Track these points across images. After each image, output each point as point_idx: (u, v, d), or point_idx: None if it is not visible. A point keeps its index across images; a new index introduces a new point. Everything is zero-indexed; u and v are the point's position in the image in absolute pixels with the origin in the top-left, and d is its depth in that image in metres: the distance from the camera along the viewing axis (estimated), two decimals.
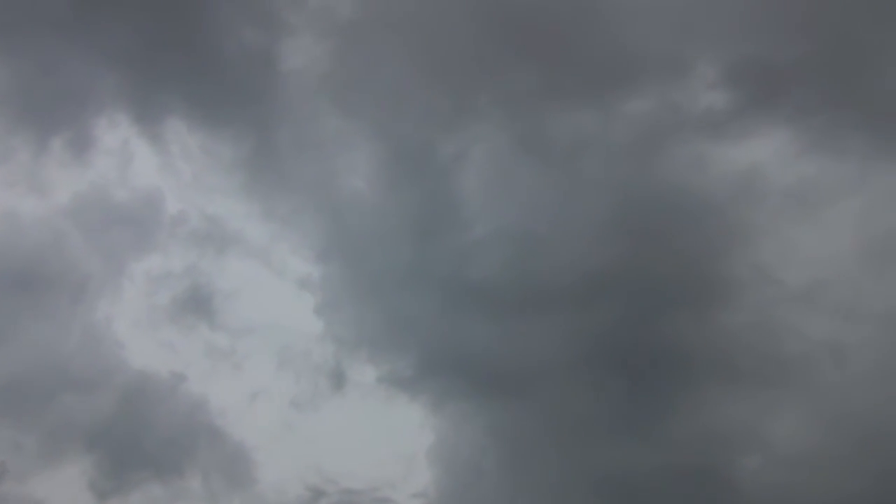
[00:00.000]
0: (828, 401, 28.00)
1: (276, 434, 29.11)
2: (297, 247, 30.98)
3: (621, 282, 29.33)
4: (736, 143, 30.34)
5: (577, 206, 30.13)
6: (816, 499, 26.64)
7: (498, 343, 28.79)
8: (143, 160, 31.80)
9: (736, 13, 31.01)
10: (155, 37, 31.55)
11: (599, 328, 28.79)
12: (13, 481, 27.71)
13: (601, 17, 30.92)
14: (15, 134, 31.13)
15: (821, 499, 26.61)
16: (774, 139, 30.34)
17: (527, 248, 29.75)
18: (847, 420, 27.63)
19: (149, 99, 31.65)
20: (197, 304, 30.54)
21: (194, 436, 28.99)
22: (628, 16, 30.92)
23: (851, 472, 26.95)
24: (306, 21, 31.53)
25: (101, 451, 28.46)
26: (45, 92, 31.51)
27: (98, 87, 31.60)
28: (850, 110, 30.21)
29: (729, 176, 30.15)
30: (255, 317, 30.52)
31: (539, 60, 31.06)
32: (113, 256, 30.91)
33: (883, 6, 30.13)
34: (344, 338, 29.82)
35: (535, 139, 30.70)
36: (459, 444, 28.23)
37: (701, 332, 28.81)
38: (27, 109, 31.54)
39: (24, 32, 31.44)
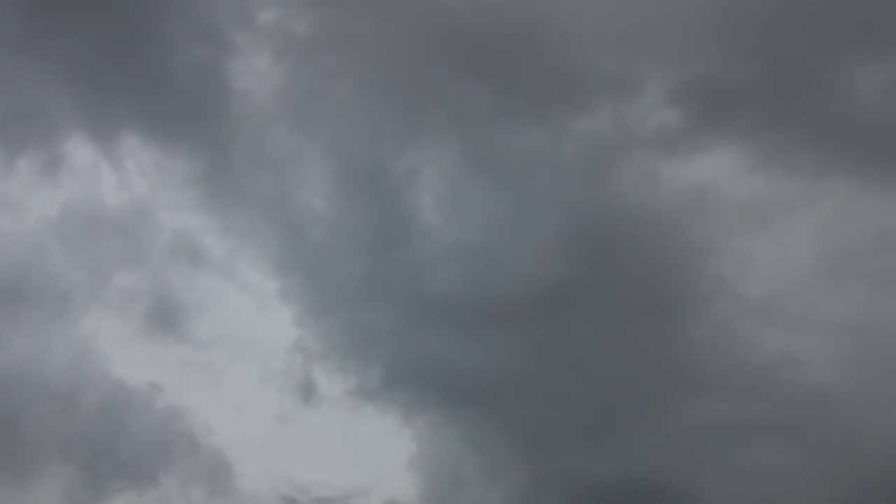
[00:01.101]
0: (790, 413, 27.95)
1: (249, 445, 29.25)
2: (256, 261, 31.19)
3: (581, 296, 29.48)
4: (687, 160, 30.64)
5: (532, 222, 30.31)
6: None
7: (462, 354, 28.99)
8: (101, 177, 32.02)
9: (683, 35, 31.33)
10: (108, 54, 31.75)
11: (563, 340, 28.95)
12: None
13: (550, 38, 31.20)
14: None
15: None
16: (726, 156, 30.60)
17: (483, 263, 29.96)
18: (811, 431, 27.63)
19: (103, 115, 31.78)
20: (165, 317, 30.74)
21: (170, 446, 29.19)
22: (577, 36, 31.18)
23: (817, 483, 26.87)
24: (259, 39, 31.93)
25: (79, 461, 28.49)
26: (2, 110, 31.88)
27: (54, 105, 31.77)
28: (799, 128, 30.62)
29: (682, 192, 30.33)
30: (222, 330, 30.69)
31: (490, 80, 31.39)
32: (88, 271, 31.07)
33: (826, 28, 30.71)
34: (312, 350, 29.98)
35: (486, 157, 31.05)
36: (433, 452, 28.31)
37: (664, 344, 28.92)
38: None
39: None
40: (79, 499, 27.93)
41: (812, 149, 30.27)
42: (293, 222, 30.74)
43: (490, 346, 28.84)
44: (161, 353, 30.21)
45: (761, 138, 30.46)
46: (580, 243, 29.79)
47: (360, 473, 27.93)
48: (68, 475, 28.09)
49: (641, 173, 30.50)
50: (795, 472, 27.10)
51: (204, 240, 31.06)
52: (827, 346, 28.37)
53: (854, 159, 30.14)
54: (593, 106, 30.89)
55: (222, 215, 31.03)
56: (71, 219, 31.28)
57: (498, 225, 30.24)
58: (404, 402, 28.72)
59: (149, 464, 28.60)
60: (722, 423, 27.88)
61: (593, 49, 31.10)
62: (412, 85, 31.25)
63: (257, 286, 30.88)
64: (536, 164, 30.61)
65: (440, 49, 31.24)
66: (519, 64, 31.16)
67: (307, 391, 29.34)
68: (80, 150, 31.63)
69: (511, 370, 28.37)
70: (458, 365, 28.65)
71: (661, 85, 31.04)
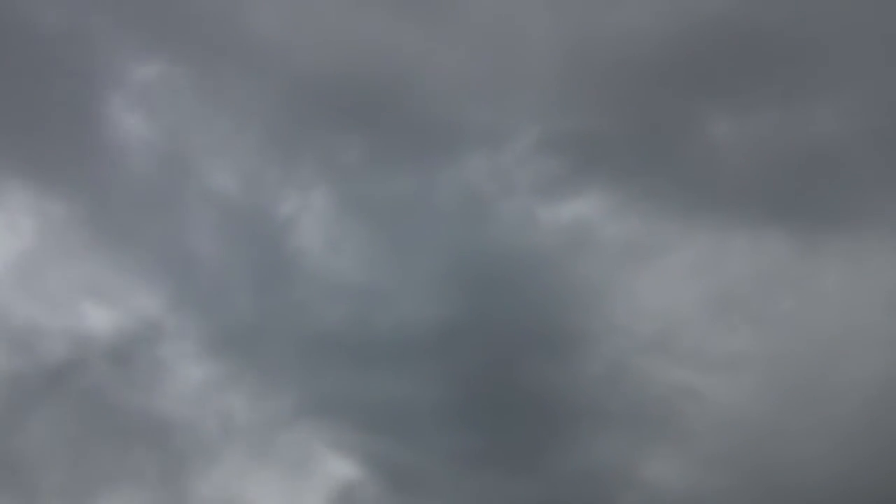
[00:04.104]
0: (694, 441, 28.16)
1: None
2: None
3: (471, 333, 29.13)
4: (563, 203, 30.88)
5: (411, 263, 30.17)
6: None
7: (364, 388, 28.59)
8: None
9: (546, 89, 31.98)
10: None
11: (461, 373, 28.67)
12: None
13: (419, 91, 31.71)
14: None
15: None
16: (599, 200, 30.95)
17: (366, 303, 29.64)
18: (716, 458, 27.85)
19: None
20: None
21: None
22: (444, 90, 31.75)
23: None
24: (140, 89, 32.06)
25: None
26: None
27: None
28: (664, 173, 31.25)
29: (560, 233, 30.52)
30: None
31: (360, 131, 31.62)
32: None
33: (678, 80, 31.86)
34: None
35: (360, 203, 31.09)
36: (348, 480, 27.73)
37: (560, 378, 28.73)
38: None
39: None
40: None
41: (679, 193, 31.01)
42: (179, 265, 30.40)
43: (389, 379, 28.68)
44: None
45: (631, 185, 31.02)
46: (463, 283, 29.75)
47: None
48: None
49: (519, 216, 30.70)
50: (703, 494, 27.33)
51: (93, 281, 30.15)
52: (720, 379, 28.75)
53: (719, 202, 30.96)
54: (466, 154, 31.33)
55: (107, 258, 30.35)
56: None
57: (377, 267, 30.12)
58: (316, 431, 28.21)
59: None
60: (632, 450, 27.91)
61: (461, 101, 31.72)
62: (286, 136, 31.71)
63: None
64: (411, 209, 30.74)
65: (312, 101, 31.76)
66: (388, 116, 31.58)
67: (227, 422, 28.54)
68: None
69: (417, 401, 28.30)
70: (362, 397, 28.51)
71: (531, 135, 31.53)
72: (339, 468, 27.80)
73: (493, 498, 27.23)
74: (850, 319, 29.17)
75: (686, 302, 29.62)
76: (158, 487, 27.50)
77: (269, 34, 31.97)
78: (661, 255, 30.23)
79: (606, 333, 29.12)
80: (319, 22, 32.25)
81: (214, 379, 28.87)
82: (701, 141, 31.44)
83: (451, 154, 31.12)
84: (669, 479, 27.45)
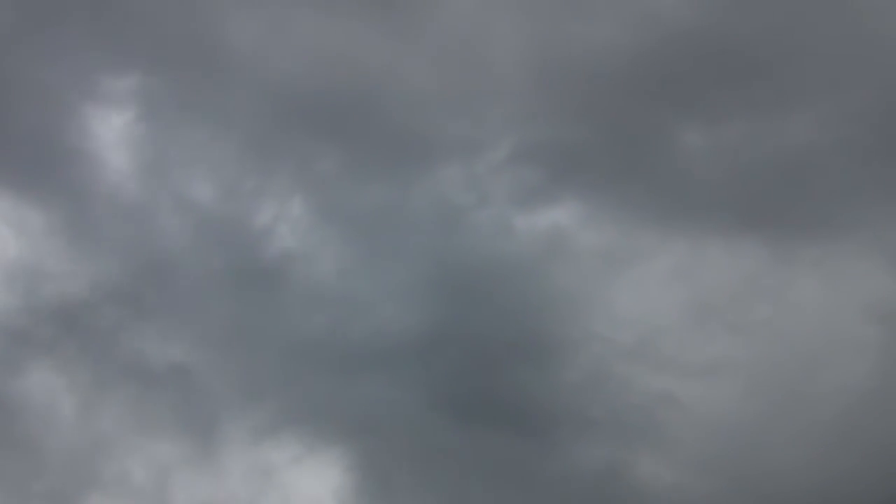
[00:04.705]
0: (674, 448, 28.08)
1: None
2: None
3: (450, 340, 29.12)
4: (539, 212, 30.95)
5: (388, 272, 30.09)
6: None
7: (345, 393, 28.44)
8: None
9: (520, 100, 32.14)
10: None
11: (441, 380, 28.57)
12: None
13: (392, 101, 31.85)
14: None
15: None
16: (575, 209, 31.05)
17: (344, 312, 29.55)
18: (696, 464, 27.82)
19: None
20: None
21: None
22: (419, 101, 31.89)
23: None
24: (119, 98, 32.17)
25: None
26: None
27: None
28: (638, 183, 31.39)
29: (537, 241, 30.50)
30: None
31: (336, 140, 31.74)
32: None
33: (649, 91, 31.95)
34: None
35: (337, 212, 31.16)
36: (335, 486, 27.45)
37: (540, 386, 28.59)
38: None
39: None
40: None
41: (653, 201, 31.15)
42: (154, 269, 30.34)
43: (369, 387, 28.46)
44: None
45: (606, 192, 31.19)
46: (441, 292, 29.74)
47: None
48: None
49: (495, 225, 30.67)
50: (684, 499, 27.17)
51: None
52: (700, 385, 28.61)
53: (693, 211, 31.04)
54: (441, 165, 31.41)
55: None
56: None
57: (354, 276, 30.01)
58: (302, 438, 28.01)
59: None
60: (610, 456, 27.78)
61: (436, 113, 31.89)
62: (263, 146, 31.82)
63: None
64: (388, 218, 30.70)
65: (288, 112, 31.95)
66: (364, 126, 31.63)
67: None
68: None
69: (399, 407, 28.06)
70: (343, 405, 28.30)
71: (505, 146, 31.63)
72: (322, 474, 27.61)
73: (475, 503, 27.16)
74: (826, 327, 29.22)
75: (663, 309, 29.60)
76: None
77: (244, 46, 32.12)
78: (638, 263, 30.29)
79: (585, 341, 29.03)
80: (294, 34, 32.38)
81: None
82: (674, 151, 31.60)
83: (427, 164, 31.21)
84: (651, 485, 27.26)
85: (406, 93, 31.66)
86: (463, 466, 27.56)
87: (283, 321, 29.34)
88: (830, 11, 31.75)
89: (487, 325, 29.07)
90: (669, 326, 29.32)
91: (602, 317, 29.37)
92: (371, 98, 31.58)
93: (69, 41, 31.88)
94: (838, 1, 31.77)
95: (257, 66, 31.79)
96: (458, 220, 30.59)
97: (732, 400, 28.39)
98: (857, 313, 29.03)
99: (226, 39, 31.94)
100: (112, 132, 31.50)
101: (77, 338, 29.42)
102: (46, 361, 28.88)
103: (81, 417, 28.15)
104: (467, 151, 31.44)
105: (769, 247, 30.26)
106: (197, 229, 30.48)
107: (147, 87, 32.07)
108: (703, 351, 28.92)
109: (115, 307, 29.68)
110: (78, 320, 29.55)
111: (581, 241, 30.46)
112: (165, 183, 31.11)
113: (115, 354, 29.27)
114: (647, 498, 27.04)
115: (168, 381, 28.80)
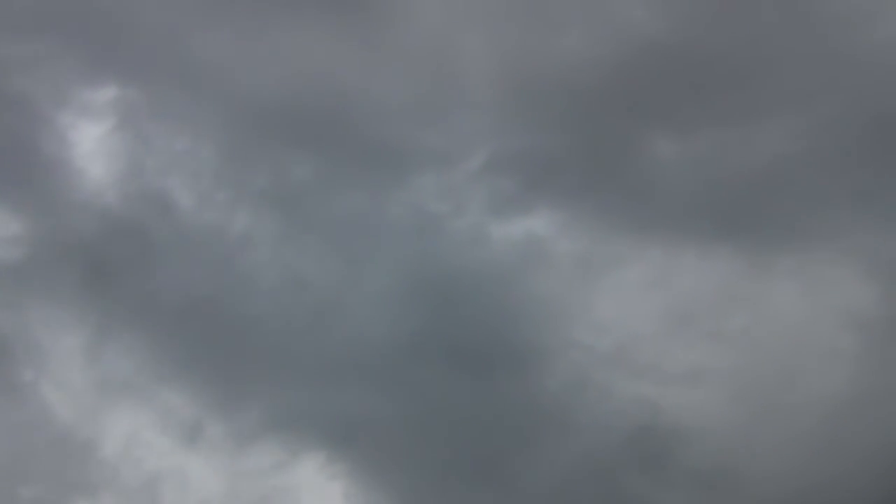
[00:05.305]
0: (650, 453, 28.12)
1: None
2: None
3: (430, 347, 28.83)
4: (516, 221, 30.82)
5: (364, 280, 29.87)
6: None
7: (327, 400, 28.43)
8: None
9: (492, 111, 32.09)
10: None
11: (424, 386, 28.33)
12: None
13: (366, 112, 31.71)
14: None
15: None
16: (550, 218, 30.92)
17: (321, 321, 29.35)
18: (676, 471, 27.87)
19: None
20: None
21: None
22: (392, 112, 31.78)
23: None
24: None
25: None
26: None
27: None
28: (612, 192, 31.28)
29: (512, 250, 30.37)
30: None
31: (310, 151, 31.69)
32: None
33: (622, 101, 31.88)
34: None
35: (315, 222, 30.98)
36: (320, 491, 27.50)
37: (522, 392, 28.40)
38: None
39: None
40: None
41: (627, 210, 31.08)
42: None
43: (348, 396, 28.34)
44: None
45: (580, 201, 31.10)
46: (418, 299, 29.51)
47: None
48: None
49: (471, 234, 30.50)
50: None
51: None
52: (678, 392, 28.55)
53: (667, 220, 30.98)
54: (416, 175, 31.28)
55: None
56: None
57: (331, 285, 29.83)
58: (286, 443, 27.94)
59: None
60: (595, 462, 27.79)
61: (409, 123, 31.75)
62: (237, 155, 31.75)
63: None
64: (363, 227, 30.61)
65: (263, 122, 31.87)
66: (337, 136, 31.60)
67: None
68: None
69: (384, 413, 27.98)
70: (328, 409, 28.22)
71: (479, 156, 31.56)
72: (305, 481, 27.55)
73: None
74: (804, 336, 29.20)
75: (641, 317, 29.48)
76: None
77: (217, 57, 32.07)
78: (614, 271, 30.18)
79: (563, 348, 28.91)
80: (268, 45, 32.31)
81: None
82: (646, 160, 31.53)
83: (402, 174, 31.13)
84: (633, 491, 27.25)
85: (379, 104, 31.62)
86: (440, 473, 27.52)
87: (255, 330, 29.27)
88: (800, 23, 32.01)
89: (466, 333, 28.90)
90: (647, 334, 29.27)
91: (580, 324, 29.26)
92: (344, 109, 31.53)
93: (46, 52, 31.90)
94: (808, 13, 32.05)
95: (231, 77, 31.88)
96: (434, 229, 30.50)
97: (711, 408, 28.40)
98: (834, 321, 29.09)
99: (200, 51, 32.07)
100: (89, 142, 31.56)
101: None
102: None
103: None
104: (442, 161, 31.39)
105: (744, 255, 30.26)
106: (173, 239, 30.56)
107: (121, 100, 32.06)
108: (680, 359, 28.82)
109: None
110: None
111: (557, 249, 30.41)
112: (142, 194, 31.11)
113: None
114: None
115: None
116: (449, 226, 30.50)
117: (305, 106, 31.46)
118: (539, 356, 28.67)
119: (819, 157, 30.80)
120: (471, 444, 27.67)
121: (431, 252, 29.95)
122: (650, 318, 29.39)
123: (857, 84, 31.06)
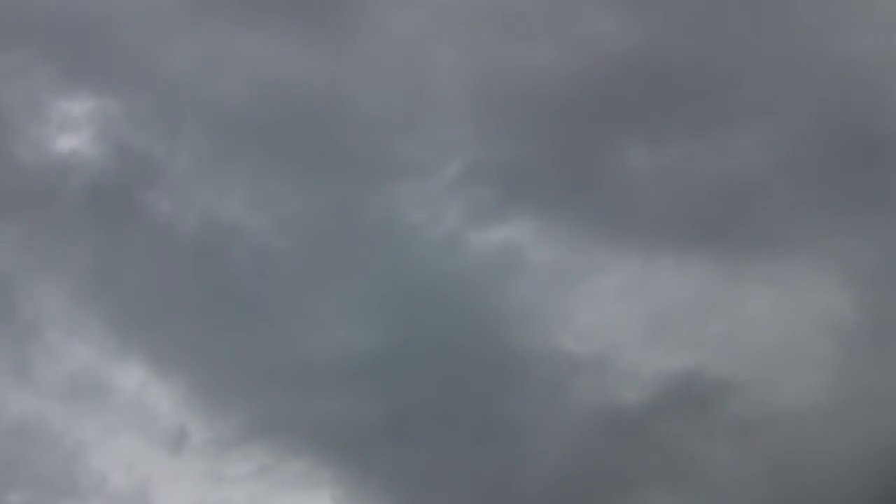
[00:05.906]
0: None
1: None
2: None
3: (410, 355, 28.79)
4: (492, 229, 30.90)
5: (345, 289, 29.84)
6: None
7: (299, 411, 28.37)
8: None
9: (467, 122, 32.21)
10: None
11: (408, 394, 28.27)
12: None
13: (342, 124, 31.75)
14: None
15: None
16: (527, 226, 30.98)
17: (300, 328, 29.29)
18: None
19: None
20: None
21: None
22: (369, 123, 31.88)
23: None
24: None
25: None
26: None
27: None
28: (588, 201, 31.48)
29: (490, 258, 30.43)
30: None
31: (290, 161, 31.79)
32: None
33: (598, 112, 32.08)
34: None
35: (293, 231, 30.90)
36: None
37: (505, 397, 28.33)
38: None
39: None
40: None
41: (602, 218, 31.29)
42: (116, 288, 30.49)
43: (328, 402, 28.31)
44: None
45: (556, 209, 31.18)
46: (396, 307, 29.57)
47: None
48: None
49: (449, 242, 30.59)
50: None
51: None
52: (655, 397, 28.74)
53: (642, 228, 31.11)
54: (393, 185, 31.34)
55: None
56: None
57: (310, 292, 29.76)
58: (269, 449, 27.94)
59: None
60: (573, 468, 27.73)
61: (383, 133, 31.87)
62: (214, 165, 31.91)
63: None
64: (342, 236, 30.63)
65: (239, 133, 32.00)
66: (315, 146, 31.74)
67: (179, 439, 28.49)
68: None
69: (368, 421, 27.92)
70: (312, 415, 28.09)
71: (455, 165, 31.68)
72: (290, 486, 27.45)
73: None
74: (779, 343, 29.26)
75: (619, 324, 29.55)
76: None
77: (190, 68, 32.27)
78: (591, 279, 30.23)
79: (541, 355, 28.88)
80: (241, 57, 32.54)
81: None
82: (619, 169, 31.75)
83: (379, 184, 31.16)
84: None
85: (357, 114, 31.75)
86: (419, 479, 27.44)
87: (236, 338, 29.23)
88: (771, 33, 32.39)
89: (444, 340, 28.85)
90: (625, 341, 29.30)
91: (557, 331, 29.27)
92: (322, 119, 31.59)
93: (23, 63, 32.06)
94: (778, 23, 32.45)
95: (208, 88, 32.09)
96: (411, 238, 30.49)
97: (690, 415, 28.44)
98: (810, 328, 29.24)
99: (176, 62, 32.24)
100: (65, 153, 31.61)
101: None
102: None
103: None
104: (419, 170, 31.44)
105: (720, 263, 30.39)
106: (154, 247, 30.62)
107: (99, 110, 32.09)
108: (659, 365, 28.89)
109: None
110: None
111: (534, 256, 30.48)
112: (121, 202, 31.11)
113: None
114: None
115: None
116: (426, 234, 30.55)
117: (283, 116, 31.55)
118: (518, 362, 28.60)
119: (793, 165, 31.11)
120: (454, 450, 27.60)
121: (409, 260, 29.98)
122: (628, 326, 29.52)
123: (828, 92, 31.46)
